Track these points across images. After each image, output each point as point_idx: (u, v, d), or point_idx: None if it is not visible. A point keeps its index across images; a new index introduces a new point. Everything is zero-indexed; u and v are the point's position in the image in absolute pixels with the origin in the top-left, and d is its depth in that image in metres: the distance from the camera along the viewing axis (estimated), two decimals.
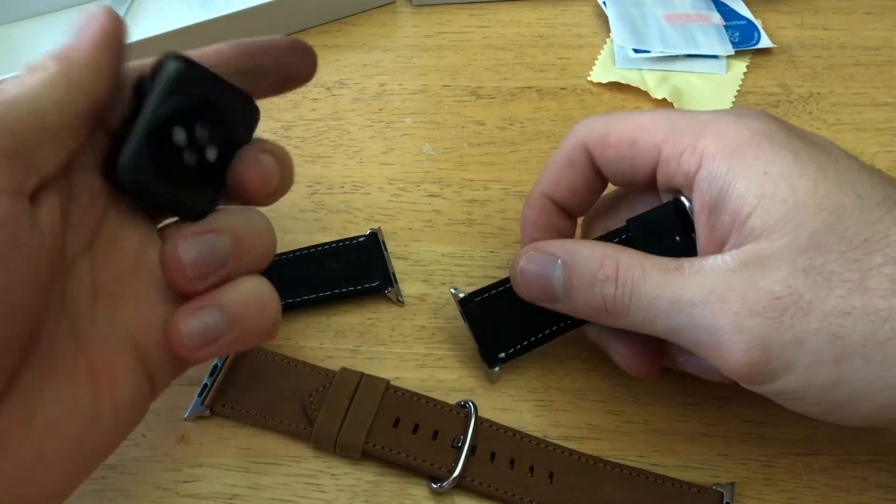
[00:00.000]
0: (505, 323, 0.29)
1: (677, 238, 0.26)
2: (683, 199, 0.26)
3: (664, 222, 0.26)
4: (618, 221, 0.28)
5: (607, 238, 0.27)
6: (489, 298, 0.29)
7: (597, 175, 0.28)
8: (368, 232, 0.34)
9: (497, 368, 0.29)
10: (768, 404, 0.29)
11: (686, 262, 0.24)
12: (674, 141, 0.25)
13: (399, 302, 0.33)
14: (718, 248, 0.24)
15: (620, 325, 0.25)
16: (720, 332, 0.22)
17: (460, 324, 0.32)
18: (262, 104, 0.25)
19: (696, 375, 0.27)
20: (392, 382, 0.29)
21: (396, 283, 0.33)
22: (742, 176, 0.23)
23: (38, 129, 0.19)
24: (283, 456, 0.28)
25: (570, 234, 0.30)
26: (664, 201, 0.27)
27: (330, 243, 0.34)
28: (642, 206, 0.28)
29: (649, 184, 0.27)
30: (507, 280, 0.28)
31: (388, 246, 0.35)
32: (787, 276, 0.22)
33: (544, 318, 0.28)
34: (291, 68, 0.26)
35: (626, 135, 0.27)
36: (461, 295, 0.29)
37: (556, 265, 0.26)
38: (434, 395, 0.29)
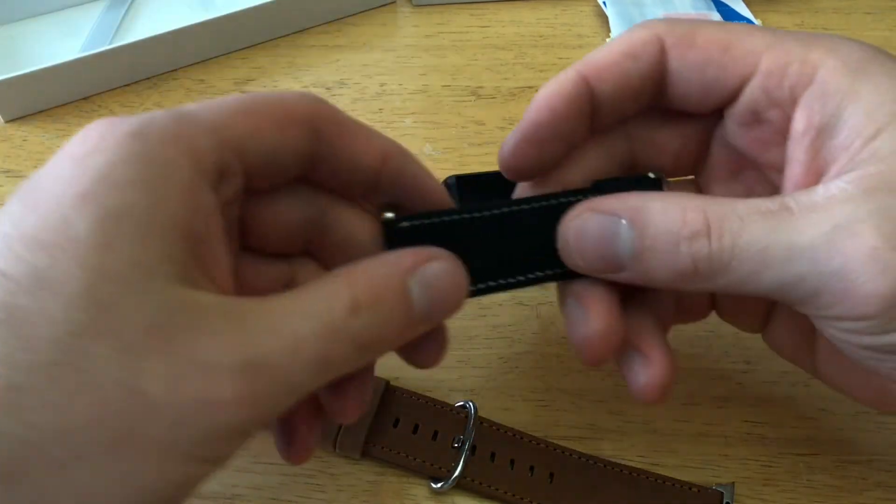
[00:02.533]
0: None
1: None
2: (652, 174, 0.24)
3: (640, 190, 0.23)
4: (571, 179, 0.24)
5: (564, 197, 0.23)
6: (430, 226, 0.22)
7: (658, 82, 0.24)
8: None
9: None
10: (769, 404, 0.30)
11: (789, 199, 0.20)
12: (779, 50, 0.22)
13: None
14: (816, 176, 0.21)
15: (709, 288, 0.21)
16: (854, 273, 0.19)
17: (460, 323, 0.32)
18: None
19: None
20: (392, 382, 0.29)
21: None
22: (868, 92, 0.20)
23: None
24: None
25: (559, 157, 0.24)
26: (728, 135, 0.24)
27: None
28: (594, 163, 0.24)
29: (723, 105, 0.24)
30: (451, 211, 0.23)
31: None
32: None
33: (516, 260, 0.23)
34: None
35: (719, 38, 0.23)
36: (388, 215, 0.22)
37: (621, 227, 0.21)
38: (434, 395, 0.29)
